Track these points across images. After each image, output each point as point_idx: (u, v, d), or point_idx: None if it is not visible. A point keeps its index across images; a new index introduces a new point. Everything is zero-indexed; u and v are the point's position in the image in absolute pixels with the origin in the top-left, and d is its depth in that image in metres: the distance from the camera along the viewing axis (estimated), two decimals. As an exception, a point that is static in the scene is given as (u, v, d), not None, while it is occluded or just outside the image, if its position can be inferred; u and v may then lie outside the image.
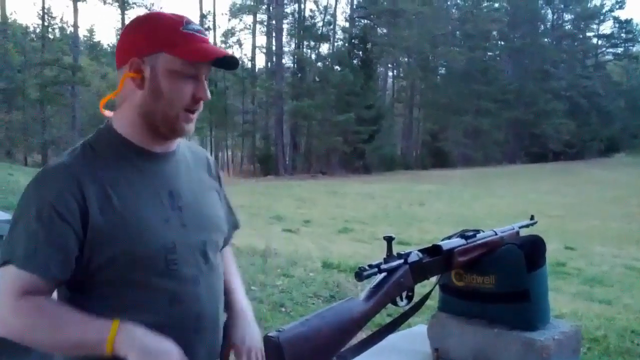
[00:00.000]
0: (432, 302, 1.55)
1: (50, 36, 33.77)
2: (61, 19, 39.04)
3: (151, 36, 1.23)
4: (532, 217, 1.65)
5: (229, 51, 1.31)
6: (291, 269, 6.57)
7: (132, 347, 1.12)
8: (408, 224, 13.44)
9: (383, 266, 1.16)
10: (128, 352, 1.11)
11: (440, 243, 1.34)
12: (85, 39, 48.55)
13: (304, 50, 41.59)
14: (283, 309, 5.15)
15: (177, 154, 1.35)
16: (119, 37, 1.30)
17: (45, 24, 33.21)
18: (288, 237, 9.51)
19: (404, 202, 19.16)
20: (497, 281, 1.38)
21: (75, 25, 34.05)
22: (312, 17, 42.67)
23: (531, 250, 1.38)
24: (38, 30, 33.64)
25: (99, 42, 52.18)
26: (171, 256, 1.23)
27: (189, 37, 1.22)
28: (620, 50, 55.23)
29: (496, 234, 1.45)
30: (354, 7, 42.75)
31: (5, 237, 1.19)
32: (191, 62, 1.22)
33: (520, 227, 1.55)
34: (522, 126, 47.83)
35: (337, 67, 38.64)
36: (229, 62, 1.28)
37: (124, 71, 1.25)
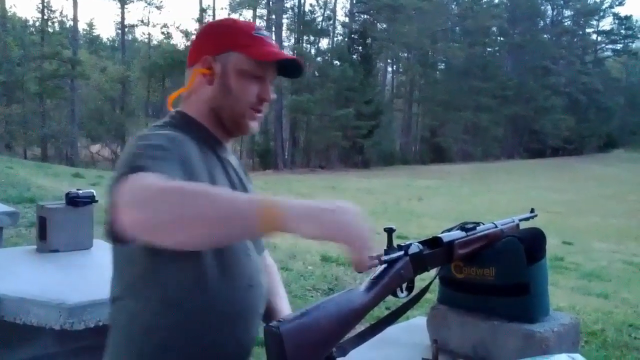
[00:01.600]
0: (431, 295, 1.55)
1: (50, 30, 33.69)
2: (61, 13, 39.11)
3: (224, 36, 1.30)
4: (532, 210, 1.65)
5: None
6: (290, 262, 6.57)
7: (304, 213, 0.96)
8: (407, 219, 13.44)
9: (383, 257, 1.16)
10: (299, 220, 0.95)
11: (441, 235, 1.34)
12: (84, 32, 48.50)
13: (304, 45, 41.51)
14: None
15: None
16: (193, 40, 1.38)
17: (45, 17, 33.16)
18: (287, 231, 9.49)
19: (402, 198, 19.17)
20: (497, 274, 1.38)
21: (75, 19, 34.04)
22: (311, 12, 42.63)
23: (531, 243, 1.38)
24: (37, 23, 33.59)
25: (99, 35, 52.19)
26: (249, 245, 1.31)
27: (259, 40, 1.30)
28: (619, 46, 55.27)
29: (496, 227, 1.44)
30: (354, 2, 42.63)
31: (121, 161, 1.10)
32: (260, 62, 1.28)
33: (520, 220, 1.54)
34: (521, 122, 47.85)
35: (336, 62, 38.59)
36: (293, 70, 1.37)
37: (194, 68, 1.31)
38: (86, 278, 2.36)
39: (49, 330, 2.04)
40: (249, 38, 1.29)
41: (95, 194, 2.77)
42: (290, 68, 1.36)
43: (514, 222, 1.52)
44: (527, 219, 1.60)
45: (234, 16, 39.48)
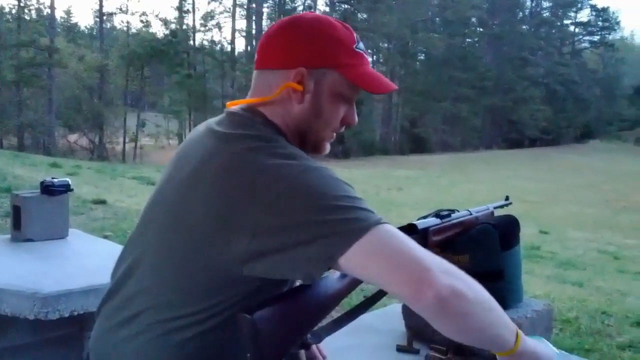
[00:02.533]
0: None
1: (27, 17, 33.08)
2: (37, 0, 38.34)
3: (326, 49, 1.11)
4: (507, 198, 1.66)
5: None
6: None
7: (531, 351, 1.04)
8: (387, 209, 13.51)
9: (358, 244, 1.16)
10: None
11: (416, 222, 1.34)
12: (62, 20, 47.87)
13: (284, 34, 41.27)
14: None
15: None
16: (276, 31, 1.15)
17: (21, 4, 32.54)
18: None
19: (382, 187, 19.27)
20: (472, 260, 1.39)
21: (52, 7, 33.46)
22: (292, 1, 42.45)
23: (505, 230, 1.40)
24: (14, 11, 32.95)
25: (77, 23, 51.60)
26: None
27: (359, 59, 1.15)
28: (596, 38, 56.00)
29: (471, 214, 1.46)
30: (334, -9, 42.55)
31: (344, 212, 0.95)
32: (359, 88, 1.15)
33: (495, 208, 1.56)
34: (500, 112, 48.27)
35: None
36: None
37: (281, 75, 1.11)
38: (61, 267, 2.33)
39: (23, 320, 2.02)
40: (351, 54, 1.13)
41: (70, 183, 2.73)
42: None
43: (488, 209, 1.53)
44: (501, 206, 1.61)
45: (214, 5, 39.10)
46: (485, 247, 1.38)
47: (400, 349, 1.41)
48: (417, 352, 1.39)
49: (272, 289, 1.06)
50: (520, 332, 1.02)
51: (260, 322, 0.98)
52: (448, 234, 1.39)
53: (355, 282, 1.17)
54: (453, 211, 1.45)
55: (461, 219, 1.43)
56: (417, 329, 1.45)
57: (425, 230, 1.34)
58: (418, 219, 1.43)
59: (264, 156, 1.00)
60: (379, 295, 1.29)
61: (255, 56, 1.18)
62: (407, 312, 1.52)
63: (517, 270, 1.42)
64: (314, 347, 1.29)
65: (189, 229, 1.02)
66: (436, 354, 1.36)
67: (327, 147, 1.21)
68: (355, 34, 1.16)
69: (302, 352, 1.27)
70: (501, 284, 1.38)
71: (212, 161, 1.03)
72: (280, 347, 1.02)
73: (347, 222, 0.92)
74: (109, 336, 1.13)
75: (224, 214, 0.98)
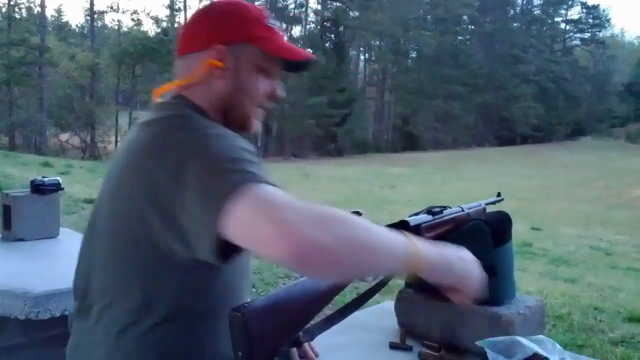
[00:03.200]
0: (399, 281, 1.56)
1: (17, 16, 32.87)
2: (28, -1, 38.11)
3: (240, 25, 1.16)
4: (498, 194, 1.67)
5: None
6: (262, 250, 6.55)
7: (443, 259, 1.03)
8: (379, 207, 13.52)
9: (350, 241, 1.16)
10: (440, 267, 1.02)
11: (408, 219, 1.34)
12: (53, 19, 47.58)
13: (276, 32, 41.19)
14: (254, 290, 5.15)
15: None
16: (193, 17, 1.21)
17: (12, 3, 32.33)
18: (259, 219, 9.46)
19: (375, 185, 19.27)
20: (464, 256, 1.38)
21: (43, 5, 33.27)
22: (283, -1, 42.32)
23: (497, 226, 1.39)
24: (4, 9, 32.72)
25: (67, 22, 51.20)
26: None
27: (274, 32, 1.18)
28: (587, 35, 56.20)
29: (463, 210, 1.46)
30: (326, -11, 42.49)
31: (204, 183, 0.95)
32: (277, 58, 1.17)
33: (486, 204, 1.56)
34: (492, 110, 48.39)
35: (309, 50, 38.23)
36: (300, 66, 1.27)
37: (201, 56, 1.15)
38: (52, 267, 2.32)
39: (14, 320, 2.00)
40: (264, 29, 1.17)
41: (61, 182, 2.71)
42: (297, 65, 1.24)
43: (480, 205, 1.53)
44: (493, 202, 1.62)
45: (205, 2, 39.07)
46: (477, 243, 1.37)
47: (393, 346, 1.41)
48: (410, 348, 1.39)
49: (205, 275, 1.06)
50: (418, 247, 0.98)
51: (251, 320, 0.97)
52: (440, 231, 1.39)
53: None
54: (445, 208, 1.45)
55: (453, 215, 1.42)
56: (410, 326, 1.45)
57: (418, 226, 1.33)
58: (410, 216, 1.43)
59: (173, 133, 1.03)
60: (371, 292, 1.29)
61: (176, 46, 1.22)
62: (400, 309, 1.52)
63: (509, 267, 1.42)
64: (306, 344, 1.29)
65: (121, 218, 1.06)
66: (429, 351, 1.35)
67: (256, 124, 1.23)
68: (266, 11, 1.21)
69: (294, 350, 1.26)
70: (493, 280, 1.36)
71: (133, 148, 1.08)
72: (272, 345, 1.02)
73: (225, 187, 0.90)
74: (83, 346, 1.15)
75: (144, 193, 1.01)
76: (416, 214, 1.43)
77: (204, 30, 1.17)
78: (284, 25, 40.83)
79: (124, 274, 1.08)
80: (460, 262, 1.07)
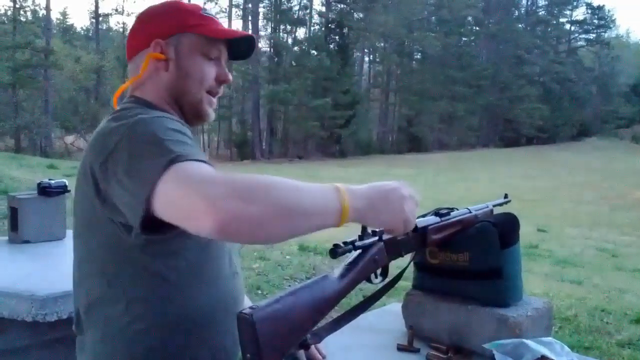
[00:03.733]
0: (407, 283, 1.55)
1: (22, 19, 32.99)
2: (33, 1, 38.19)
3: (174, 18, 1.22)
4: (505, 196, 1.66)
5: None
6: (267, 252, 6.56)
7: (369, 199, 1.02)
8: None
9: (357, 243, 1.16)
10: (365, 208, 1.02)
11: (416, 221, 1.34)
12: (58, 21, 47.68)
13: (281, 34, 41.32)
14: (259, 292, 5.15)
15: None
16: (133, 24, 1.28)
17: (17, 6, 32.45)
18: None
19: (380, 187, 19.21)
20: (471, 258, 1.38)
21: (48, 8, 33.36)
22: (288, 1, 42.34)
23: (505, 228, 1.39)
24: (9, 12, 32.84)
25: (72, 25, 51.28)
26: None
27: (209, 19, 1.23)
28: (592, 36, 55.98)
29: (470, 212, 1.45)
30: (330, -9, 42.49)
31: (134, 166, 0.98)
32: (214, 42, 1.22)
33: (494, 206, 1.55)
34: (496, 111, 48.28)
35: (313, 52, 38.46)
36: (245, 51, 1.30)
37: (143, 53, 1.21)
38: (58, 269, 2.32)
39: (21, 322, 2.01)
40: (199, 18, 1.22)
41: (67, 184, 2.72)
42: (241, 49, 1.29)
43: (487, 207, 1.53)
44: (500, 204, 1.61)
45: (210, 5, 39.24)
46: (485, 245, 1.37)
47: (400, 348, 1.40)
48: (417, 351, 1.39)
49: (160, 258, 1.10)
50: (344, 192, 0.98)
51: (260, 322, 0.97)
52: (447, 233, 1.38)
53: (355, 282, 1.16)
54: (452, 209, 1.44)
55: (460, 217, 1.42)
56: (418, 328, 1.45)
57: (425, 228, 1.33)
58: (417, 218, 1.43)
59: (114, 122, 1.07)
60: (379, 294, 1.29)
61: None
62: (407, 311, 1.51)
63: (516, 268, 1.41)
64: (313, 347, 1.29)
65: (82, 209, 1.12)
66: (436, 353, 1.35)
67: (210, 113, 1.26)
68: (200, 5, 1.30)
69: (302, 352, 1.26)
70: (501, 282, 1.37)
71: (88, 146, 1.12)
72: (280, 348, 1.02)
73: (150, 166, 0.93)
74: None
75: (88, 184, 1.06)
76: (423, 216, 1.43)
77: (143, 30, 1.23)
78: (288, 27, 40.93)
79: (91, 271, 1.14)
80: (386, 206, 1.05)
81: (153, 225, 0.96)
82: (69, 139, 32.99)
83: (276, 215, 0.89)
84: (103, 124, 1.12)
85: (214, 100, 1.26)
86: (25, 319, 1.98)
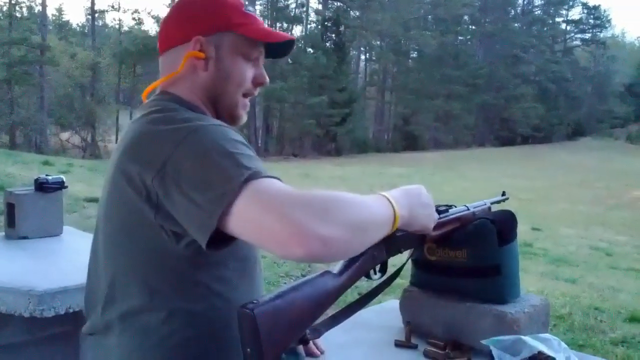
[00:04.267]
0: (404, 281, 1.56)
1: (18, 15, 32.84)
2: (29, -2, 38.01)
3: (216, 14, 1.15)
4: (503, 193, 1.67)
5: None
6: (262, 250, 6.55)
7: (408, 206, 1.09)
8: (380, 207, 13.50)
9: (357, 239, 1.16)
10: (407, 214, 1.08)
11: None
12: (54, 18, 47.43)
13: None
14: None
15: None
16: (168, 14, 1.21)
17: (13, 2, 32.31)
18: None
19: (375, 185, 19.23)
20: (469, 255, 1.39)
21: (44, 4, 33.23)
22: (284, -1, 42.32)
23: (503, 225, 1.40)
24: (5, 8, 32.70)
25: (68, 21, 51.07)
26: None
27: (252, 18, 1.18)
28: (588, 35, 56.14)
29: (468, 209, 1.46)
30: (327, -11, 42.48)
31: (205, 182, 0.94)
32: (256, 43, 1.17)
33: (491, 203, 1.56)
34: (492, 110, 48.38)
35: (310, 50, 38.45)
36: (282, 50, 1.26)
37: (181, 49, 1.15)
38: (56, 265, 2.32)
39: (18, 318, 2.01)
40: (242, 16, 1.16)
41: (64, 180, 2.72)
42: (277, 48, 1.24)
43: (485, 205, 1.53)
44: (498, 201, 1.62)
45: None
46: (483, 242, 1.38)
47: (398, 344, 1.41)
48: (415, 347, 1.39)
49: (203, 269, 1.07)
50: (395, 208, 1.04)
51: (260, 317, 0.98)
52: (446, 229, 1.39)
53: (355, 277, 1.17)
54: (450, 206, 1.45)
55: (459, 214, 1.43)
56: (415, 324, 1.45)
57: (424, 225, 1.34)
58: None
59: (162, 124, 1.02)
60: (377, 290, 1.30)
61: (157, 45, 1.21)
62: (404, 308, 1.52)
63: (514, 265, 1.42)
64: (311, 342, 1.29)
65: (121, 215, 1.06)
66: (434, 349, 1.36)
67: (243, 116, 1.22)
68: (243, 1, 1.21)
69: (301, 347, 1.27)
70: (499, 279, 1.38)
71: (121, 149, 1.07)
72: (281, 342, 1.02)
73: (225, 181, 0.91)
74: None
75: (135, 192, 1.01)
76: (422, 213, 1.44)
77: (182, 24, 1.17)
78: (285, 25, 40.87)
79: (130, 278, 1.08)
80: (423, 209, 1.15)
81: (216, 239, 0.94)
82: (65, 135, 32.89)
83: (356, 233, 0.93)
84: (142, 124, 1.07)
85: (248, 103, 1.22)
86: (23, 315, 1.98)
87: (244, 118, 1.22)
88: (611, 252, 9.95)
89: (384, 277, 1.26)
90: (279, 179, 0.94)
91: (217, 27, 1.15)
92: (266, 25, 1.22)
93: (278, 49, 1.24)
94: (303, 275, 5.77)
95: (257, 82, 1.20)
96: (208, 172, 0.93)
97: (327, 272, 1.14)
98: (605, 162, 31.45)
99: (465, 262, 1.40)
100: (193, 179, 0.94)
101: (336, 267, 1.16)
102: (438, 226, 1.37)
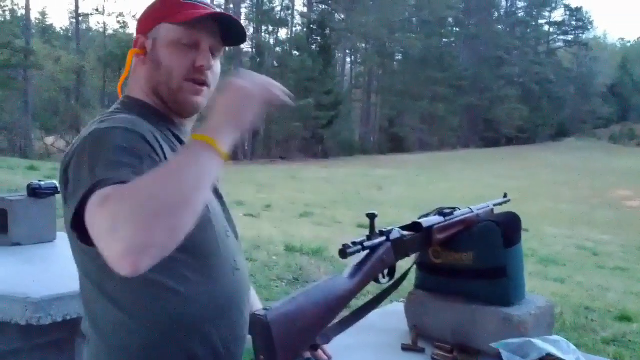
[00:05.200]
0: (407, 283, 1.56)
1: (1, 19, 32.51)
2: (12, 1, 37.55)
3: (153, 11, 1.23)
4: (505, 195, 1.68)
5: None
6: (254, 253, 6.54)
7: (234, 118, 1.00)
8: (367, 208, 13.32)
9: (366, 243, 1.16)
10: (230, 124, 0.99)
11: (420, 220, 1.35)
12: (37, 21, 46.96)
13: (263, 35, 41.23)
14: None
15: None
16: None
17: (-5, 6, 32.00)
18: (250, 221, 9.46)
19: (362, 187, 19.30)
20: (475, 258, 1.39)
21: (27, 8, 32.89)
22: (270, 2, 42.31)
23: (508, 227, 1.40)
24: (-12, 13, 32.36)
25: (52, 25, 50.58)
26: (228, 232, 1.25)
27: (188, 5, 1.19)
28: (570, 37, 56.67)
29: (472, 212, 1.46)
30: (312, -9, 42.51)
31: (74, 185, 1.00)
32: (189, 26, 1.17)
33: (494, 205, 1.57)
34: (477, 112, 48.66)
35: (295, 53, 38.47)
36: (236, 35, 1.24)
37: (129, 51, 1.25)
38: (51, 271, 2.29)
39: (14, 326, 1.97)
40: (176, 6, 1.19)
41: (57, 186, 2.69)
42: (232, 33, 1.23)
43: (488, 207, 1.54)
44: (500, 203, 1.63)
45: (191, 5, 38.93)
46: (489, 244, 1.39)
47: (405, 348, 1.41)
48: (422, 350, 1.39)
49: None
50: (216, 144, 0.95)
51: (274, 323, 0.97)
52: (451, 232, 1.40)
53: (365, 282, 1.17)
54: (454, 209, 1.46)
55: (463, 216, 1.43)
56: (421, 327, 1.45)
57: (430, 228, 1.34)
58: (420, 217, 1.44)
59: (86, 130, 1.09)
60: (385, 294, 1.29)
61: None
62: (410, 311, 1.52)
63: (519, 267, 1.42)
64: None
65: (65, 215, 1.09)
66: (441, 352, 1.36)
67: (195, 102, 1.21)
68: None
69: (309, 353, 1.26)
70: (505, 280, 1.38)
71: None
72: (294, 349, 1.02)
73: (78, 187, 0.96)
74: None
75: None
76: (426, 215, 1.44)
77: (136, 28, 1.26)
78: (271, 28, 40.72)
79: (87, 282, 1.15)
80: (236, 112, 1.02)
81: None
82: (49, 140, 32.56)
83: (182, 218, 0.86)
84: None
85: (200, 88, 1.20)
86: (19, 322, 1.95)
87: (197, 103, 1.21)
88: (597, 251, 10.05)
89: (392, 281, 1.26)
90: (124, 181, 0.91)
91: (153, 21, 1.21)
92: (214, 9, 1.21)
93: (232, 34, 1.23)
94: (295, 279, 5.77)
95: (197, 67, 1.19)
96: (75, 174, 1.00)
97: (337, 277, 1.14)
98: (589, 162, 31.75)
99: (471, 264, 1.40)
100: (71, 181, 1.01)
101: (346, 271, 1.16)
102: (443, 229, 1.38)
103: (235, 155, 34.74)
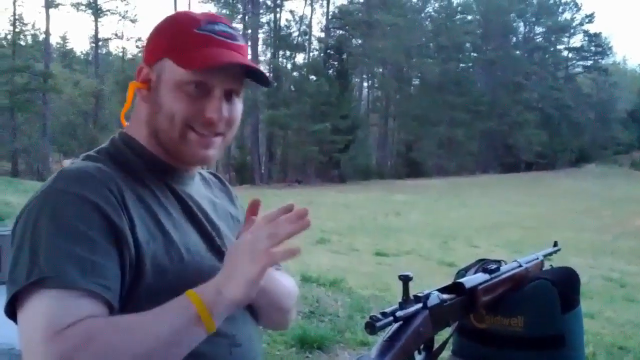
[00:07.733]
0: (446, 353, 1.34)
1: (22, 43, 33.13)
2: (33, 26, 38.26)
3: (162, 37, 1.02)
4: (555, 244, 1.46)
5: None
6: (268, 285, 6.33)
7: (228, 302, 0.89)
8: (385, 235, 13.29)
9: (399, 313, 0.94)
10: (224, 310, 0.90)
11: (462, 280, 1.13)
12: (57, 46, 47.82)
13: (280, 59, 41.52)
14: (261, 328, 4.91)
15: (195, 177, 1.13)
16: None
17: (17, 30, 32.56)
18: (264, 249, 9.27)
19: (379, 213, 19.04)
20: (526, 323, 1.16)
21: (47, 32, 33.55)
22: (287, 27, 42.77)
23: (566, 287, 1.18)
24: (9, 36, 32.93)
25: (72, 49, 51.35)
26: None
27: (201, 40, 0.98)
28: (589, 62, 56.36)
29: (521, 265, 1.24)
30: (330, 17, 42.86)
31: (14, 260, 0.91)
32: (194, 71, 0.96)
33: (544, 256, 1.35)
34: (495, 137, 48.37)
35: (312, 77, 38.61)
36: (258, 79, 1.05)
37: (131, 82, 1.06)
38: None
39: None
40: (187, 38, 0.98)
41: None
42: (255, 73, 1.04)
43: (537, 258, 1.32)
44: (550, 253, 1.40)
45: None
46: (543, 307, 1.16)
47: None
48: None
49: None
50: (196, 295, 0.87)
51: None
52: (498, 292, 1.17)
53: (397, 361, 0.95)
54: (499, 262, 1.24)
55: (511, 272, 1.21)
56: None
57: (474, 289, 1.12)
58: (458, 271, 1.22)
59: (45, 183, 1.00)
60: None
61: None
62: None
63: (579, 335, 1.19)
64: None
65: None
66: None
67: (203, 155, 1.02)
68: (208, 17, 1.01)
69: None
70: (563, 351, 1.15)
71: None
72: None
73: (23, 270, 0.86)
74: None
75: None
76: (466, 269, 1.23)
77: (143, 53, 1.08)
78: (288, 53, 41.01)
79: None
80: (231, 277, 0.89)
81: None
82: (67, 162, 32.76)
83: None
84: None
85: (210, 140, 1.01)
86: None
87: (205, 156, 1.03)
88: (624, 283, 9.71)
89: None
90: (69, 286, 0.84)
91: (161, 51, 1.00)
92: (235, 45, 1.01)
93: (256, 74, 1.04)
94: (311, 312, 5.53)
95: (206, 117, 0.98)
96: (17, 249, 0.90)
97: (364, 356, 0.92)
98: (610, 189, 31.21)
99: (521, 331, 1.17)
100: (14, 248, 0.92)
101: (374, 349, 0.94)
102: (489, 289, 1.16)
103: (252, 179, 34.78)
